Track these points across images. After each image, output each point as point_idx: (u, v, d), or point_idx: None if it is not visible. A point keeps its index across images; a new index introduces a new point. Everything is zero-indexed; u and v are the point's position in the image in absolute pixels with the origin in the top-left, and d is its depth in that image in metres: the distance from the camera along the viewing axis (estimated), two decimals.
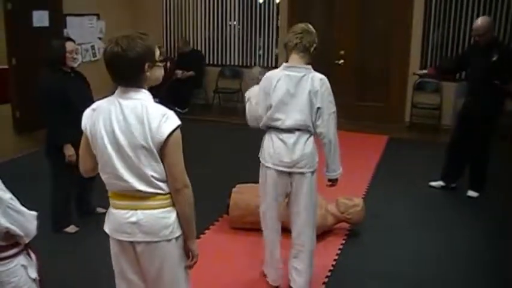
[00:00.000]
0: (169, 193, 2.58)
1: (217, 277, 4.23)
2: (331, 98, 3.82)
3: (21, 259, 2.53)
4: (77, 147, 4.70)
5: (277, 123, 3.80)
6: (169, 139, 2.47)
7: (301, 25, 3.89)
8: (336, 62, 9.94)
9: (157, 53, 2.58)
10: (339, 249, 4.82)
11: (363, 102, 9.91)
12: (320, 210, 4.93)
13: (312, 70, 3.85)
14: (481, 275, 4.44)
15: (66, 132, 4.71)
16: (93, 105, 2.61)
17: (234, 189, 5.16)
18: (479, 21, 5.77)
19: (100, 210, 5.39)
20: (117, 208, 2.63)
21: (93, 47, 9.43)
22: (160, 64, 2.60)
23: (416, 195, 6.18)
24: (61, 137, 4.76)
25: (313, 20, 10.01)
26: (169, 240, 2.61)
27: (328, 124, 3.79)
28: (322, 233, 4.97)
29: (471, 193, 6.13)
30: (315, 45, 3.87)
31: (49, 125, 4.89)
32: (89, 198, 5.35)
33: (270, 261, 4.14)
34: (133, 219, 2.57)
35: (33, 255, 2.63)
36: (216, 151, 7.44)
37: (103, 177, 2.64)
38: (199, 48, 10.84)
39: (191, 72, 10.19)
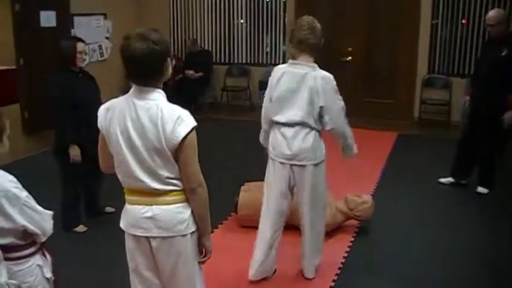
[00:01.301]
0: (184, 189, 2.59)
1: (225, 276, 4.22)
2: (337, 95, 3.90)
3: (37, 259, 2.54)
4: (83, 148, 4.77)
5: (277, 118, 3.89)
6: (184, 142, 2.47)
7: (308, 20, 3.88)
8: (344, 58, 9.92)
9: None
10: (348, 246, 4.80)
11: (371, 99, 9.88)
12: (330, 209, 4.92)
13: (317, 68, 3.87)
14: (489, 273, 4.41)
15: (73, 132, 4.72)
16: (108, 104, 2.62)
17: (242, 187, 5.15)
18: (492, 11, 5.79)
19: (109, 209, 5.41)
20: (132, 204, 2.64)
21: (100, 47, 9.44)
22: (169, 62, 2.60)
23: (426, 192, 6.15)
24: (67, 137, 4.77)
25: (320, 17, 9.98)
26: (185, 235, 2.63)
27: (337, 120, 3.90)
28: (332, 230, 4.96)
29: (481, 189, 6.09)
30: (322, 40, 3.92)
31: (57, 125, 4.90)
32: (98, 198, 5.36)
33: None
34: (149, 214, 2.58)
35: (48, 255, 2.64)
36: (224, 149, 7.42)
37: (118, 175, 2.65)
38: (206, 46, 10.84)
39: (200, 74, 10.18)
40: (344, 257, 4.59)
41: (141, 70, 2.49)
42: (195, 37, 10.78)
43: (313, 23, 3.87)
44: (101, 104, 5.02)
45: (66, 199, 5.01)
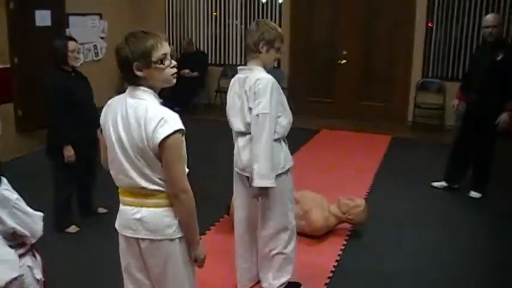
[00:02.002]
0: None
1: (217, 278, 4.22)
2: (266, 96, 3.43)
3: (27, 260, 2.52)
4: (76, 148, 4.76)
5: (231, 127, 3.76)
6: (164, 143, 2.44)
7: (253, 23, 3.69)
8: (339, 61, 9.94)
9: (164, 52, 2.54)
10: (341, 249, 4.80)
11: (365, 102, 9.91)
12: (323, 212, 4.93)
13: (257, 70, 3.58)
14: (482, 276, 4.43)
15: (67, 132, 4.71)
16: (109, 101, 2.67)
17: None
18: (490, 14, 5.89)
19: (101, 210, 5.40)
20: (124, 204, 2.66)
21: (95, 47, 9.43)
22: (162, 66, 2.53)
23: (419, 196, 6.17)
24: (61, 137, 4.76)
25: (316, 20, 10.11)
26: (173, 239, 2.61)
27: (253, 124, 3.48)
28: (324, 234, 4.96)
29: (473, 194, 6.11)
30: (262, 42, 3.57)
31: (51, 125, 4.89)
32: (90, 198, 5.35)
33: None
34: (137, 216, 2.59)
35: (38, 256, 2.62)
36: (218, 151, 7.37)
37: (111, 172, 2.67)
38: (201, 47, 10.84)
39: (196, 73, 10.17)
40: (336, 261, 4.59)
41: (126, 72, 2.53)
42: (191, 38, 10.77)
43: (254, 25, 3.66)
44: (93, 104, 5.05)
45: (58, 199, 5.00)
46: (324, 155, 7.40)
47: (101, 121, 2.65)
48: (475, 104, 5.88)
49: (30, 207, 2.49)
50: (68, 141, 4.75)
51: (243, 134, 3.63)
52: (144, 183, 2.54)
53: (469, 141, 6.00)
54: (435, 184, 6.41)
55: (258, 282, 4.08)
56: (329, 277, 4.32)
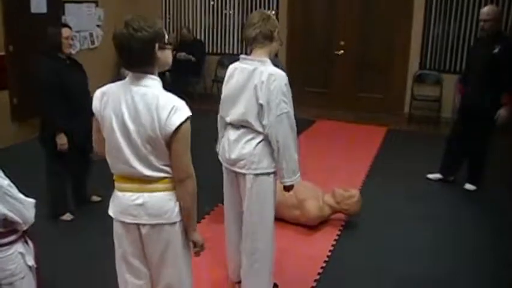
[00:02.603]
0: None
1: (210, 267, 4.22)
2: (285, 97, 3.38)
3: (19, 246, 2.52)
4: (69, 136, 4.75)
5: (225, 117, 3.64)
6: (177, 131, 2.46)
7: (257, 14, 3.57)
8: (336, 52, 9.91)
9: (166, 36, 2.57)
10: (335, 240, 4.81)
11: (362, 93, 9.90)
12: (317, 202, 4.93)
13: (268, 63, 3.48)
14: (475, 268, 4.44)
15: (60, 120, 4.69)
16: (104, 88, 2.61)
17: None
18: (487, 7, 5.84)
19: (95, 198, 5.40)
20: (123, 191, 2.64)
21: (91, 35, 9.37)
22: (169, 47, 2.58)
23: (414, 188, 6.17)
24: (54, 125, 4.74)
25: (313, 10, 10.08)
26: (174, 223, 2.63)
27: (276, 126, 3.39)
28: (318, 224, 4.97)
29: (468, 186, 6.11)
30: (277, 30, 3.53)
31: (44, 113, 4.87)
32: (85, 186, 5.34)
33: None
34: (139, 201, 2.58)
35: (30, 243, 2.62)
36: (213, 140, 7.35)
37: (109, 160, 2.64)
38: (198, 36, 10.81)
39: (191, 56, 10.12)
40: (330, 251, 4.60)
41: (128, 56, 2.48)
42: (188, 26, 10.72)
43: (264, 14, 3.54)
44: (88, 92, 5.02)
45: (53, 187, 4.99)
46: (319, 145, 7.39)
47: (96, 109, 2.60)
48: (472, 97, 5.88)
49: (25, 194, 2.49)
50: (61, 130, 4.72)
51: (236, 126, 3.56)
52: (147, 172, 2.54)
53: (464, 134, 5.99)
54: (430, 176, 6.41)
55: None
56: (322, 267, 4.32)
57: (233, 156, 3.55)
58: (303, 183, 5.05)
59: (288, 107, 3.41)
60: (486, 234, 5.07)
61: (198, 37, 10.81)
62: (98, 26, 9.52)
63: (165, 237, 2.63)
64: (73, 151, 4.85)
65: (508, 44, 5.80)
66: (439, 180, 6.35)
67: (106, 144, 2.61)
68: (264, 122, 3.41)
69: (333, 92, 10.09)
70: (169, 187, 2.60)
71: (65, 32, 4.78)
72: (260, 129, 3.45)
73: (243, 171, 3.54)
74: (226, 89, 3.62)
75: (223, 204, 5.01)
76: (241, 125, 3.52)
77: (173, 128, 2.45)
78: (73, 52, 4.88)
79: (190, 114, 2.50)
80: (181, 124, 2.45)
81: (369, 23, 9.75)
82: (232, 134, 3.58)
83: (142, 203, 2.58)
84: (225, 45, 10.78)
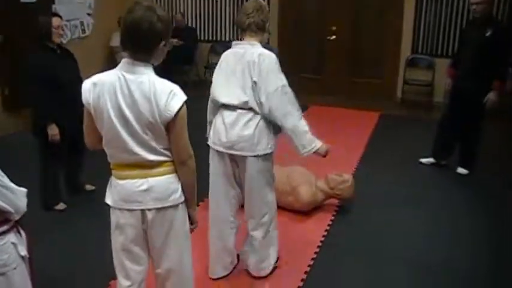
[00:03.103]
0: (173, 160, 2.64)
1: (202, 254, 4.23)
2: (278, 73, 3.51)
3: (11, 237, 2.50)
4: (61, 126, 4.73)
5: (218, 100, 3.64)
6: (176, 115, 2.50)
7: (252, 3, 3.61)
8: (328, 37, 9.88)
9: None
10: (328, 225, 4.83)
11: (354, 78, 9.88)
12: (310, 188, 4.94)
13: (258, 46, 3.57)
14: (467, 252, 4.46)
15: (51, 111, 4.67)
16: (94, 79, 2.58)
17: None
18: None
19: (89, 187, 5.39)
20: (124, 179, 2.63)
21: (82, 23, 9.32)
22: (167, 48, 2.59)
23: (407, 172, 6.19)
24: (45, 115, 4.72)
25: None
26: (177, 205, 2.68)
27: (275, 100, 3.47)
28: (312, 210, 4.98)
29: (461, 170, 6.14)
30: (268, 21, 3.66)
31: (35, 103, 4.84)
32: (78, 176, 5.33)
33: (215, 254, 3.97)
34: (144, 187, 2.61)
35: (23, 233, 2.61)
36: (204, 127, 7.33)
37: (108, 151, 2.64)
38: (190, 23, 10.76)
39: (182, 42, 10.06)
40: (323, 236, 4.62)
41: (137, 40, 2.48)
42: (182, 12, 10.66)
43: (259, 4, 3.62)
44: (80, 81, 4.98)
45: (45, 177, 4.97)
46: (312, 131, 7.37)
47: (87, 101, 2.56)
48: (463, 81, 5.88)
49: (17, 184, 2.48)
50: (52, 120, 4.70)
51: (232, 108, 3.57)
52: (150, 157, 2.57)
53: (456, 118, 6.01)
54: (423, 160, 6.43)
55: (232, 271, 4.05)
56: (316, 252, 4.35)
57: (233, 138, 3.55)
58: (296, 168, 5.09)
59: (283, 80, 3.51)
60: (479, 217, 5.09)
61: (190, 24, 10.77)
62: (88, 14, 9.48)
63: (168, 220, 2.68)
64: (66, 141, 4.84)
65: (499, 28, 5.82)
66: (432, 164, 6.37)
67: (104, 135, 2.60)
68: (262, 100, 3.47)
69: (325, 77, 10.08)
70: (171, 170, 2.64)
71: (55, 21, 4.75)
72: (257, 109, 3.51)
73: (243, 153, 3.56)
74: (219, 71, 3.67)
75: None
76: (238, 106, 3.54)
77: (173, 113, 2.48)
78: (64, 41, 4.84)
79: (186, 98, 2.53)
80: (180, 108, 2.49)
81: (361, 8, 9.72)
82: (227, 116, 3.59)
83: (148, 188, 2.60)
84: (217, 32, 10.74)
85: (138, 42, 2.48)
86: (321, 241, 4.53)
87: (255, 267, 3.97)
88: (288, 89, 3.53)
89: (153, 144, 2.54)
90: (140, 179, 2.61)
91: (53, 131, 4.72)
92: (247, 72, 3.47)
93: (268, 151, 3.61)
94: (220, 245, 3.92)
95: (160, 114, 2.47)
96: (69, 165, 5.22)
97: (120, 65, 2.55)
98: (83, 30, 9.35)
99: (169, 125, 2.52)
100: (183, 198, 2.70)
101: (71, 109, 4.79)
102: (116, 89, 2.50)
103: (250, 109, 3.52)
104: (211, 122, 3.80)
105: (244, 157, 3.58)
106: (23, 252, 2.56)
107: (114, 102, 2.50)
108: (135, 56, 2.51)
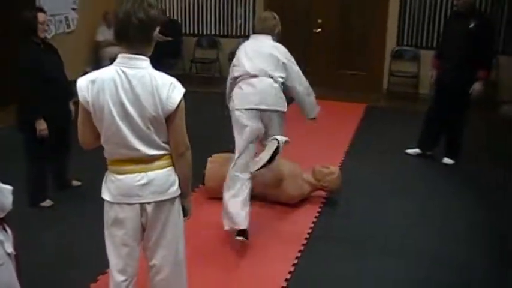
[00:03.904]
0: (170, 153, 2.68)
1: (193, 247, 4.24)
2: (293, 59, 4.59)
3: None
4: (48, 121, 4.71)
5: (245, 70, 4.35)
6: (177, 107, 2.54)
7: (270, 14, 4.66)
8: (314, 30, 9.90)
9: None
10: (315, 216, 4.85)
11: (340, 71, 9.91)
12: (297, 180, 4.96)
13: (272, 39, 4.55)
14: (453, 241, 4.50)
15: (38, 106, 4.65)
16: (91, 76, 2.57)
17: (209, 159, 5.16)
18: None
19: (75, 183, 5.37)
20: (124, 174, 2.64)
21: (66, 18, 9.26)
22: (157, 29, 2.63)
23: (393, 163, 6.23)
24: (33, 111, 4.69)
25: None
26: (174, 198, 2.73)
27: (298, 79, 4.62)
28: (299, 202, 5.00)
29: (447, 160, 6.18)
30: (278, 27, 4.60)
31: (22, 99, 4.81)
32: (65, 172, 5.30)
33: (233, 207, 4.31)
34: (143, 181, 2.63)
35: (9, 230, 2.60)
36: (193, 121, 7.30)
37: (108, 147, 2.64)
38: (175, 17, 10.73)
39: (169, 38, 10.04)
40: (311, 228, 4.64)
41: (132, 33, 2.49)
42: (164, 7, 10.61)
43: (275, 16, 4.63)
44: (64, 75, 4.98)
45: (32, 173, 4.95)
46: (299, 123, 7.37)
47: (85, 99, 2.54)
48: (448, 72, 5.91)
49: (4, 182, 2.47)
50: (40, 115, 4.68)
51: (255, 75, 4.33)
52: (150, 151, 2.59)
53: (442, 109, 6.05)
54: (409, 151, 6.47)
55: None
56: (303, 244, 4.36)
57: (261, 96, 4.29)
58: (282, 161, 5.10)
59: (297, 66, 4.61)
60: (465, 207, 5.14)
61: (175, 17, 10.73)
62: (73, 9, 9.41)
63: (165, 212, 2.71)
64: (52, 136, 4.82)
65: (483, 19, 5.86)
66: (418, 155, 6.41)
67: (103, 133, 2.59)
68: (288, 79, 4.50)
69: (312, 70, 10.05)
70: (169, 163, 2.68)
71: (40, 17, 4.72)
72: (278, 79, 4.38)
73: (273, 108, 4.35)
74: (243, 54, 4.45)
75: (203, 184, 5.06)
76: (260, 73, 4.33)
77: (175, 105, 2.53)
78: (48, 36, 4.82)
79: (185, 90, 2.59)
80: (180, 100, 2.55)
81: (347, 1, 9.73)
82: (253, 80, 4.32)
83: (147, 182, 2.63)
84: (202, 26, 10.71)
85: (136, 33, 2.50)
86: (308, 233, 4.55)
87: None
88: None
89: (155, 137, 2.57)
90: (140, 173, 2.62)
91: (41, 125, 4.69)
92: (273, 52, 4.40)
93: (285, 109, 4.46)
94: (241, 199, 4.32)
95: (163, 106, 2.51)
96: (55, 161, 5.19)
97: (117, 61, 2.55)
98: (68, 26, 9.29)
99: (170, 117, 2.56)
100: (179, 191, 2.74)
101: (57, 103, 4.79)
102: (116, 85, 2.50)
103: (272, 77, 4.35)
104: (230, 97, 4.51)
105: (276, 111, 4.36)
106: (10, 249, 2.55)
107: (115, 98, 2.50)
108: (132, 50, 2.53)
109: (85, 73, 2.60)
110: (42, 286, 3.69)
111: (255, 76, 4.33)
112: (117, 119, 2.52)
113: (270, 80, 4.34)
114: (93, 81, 2.54)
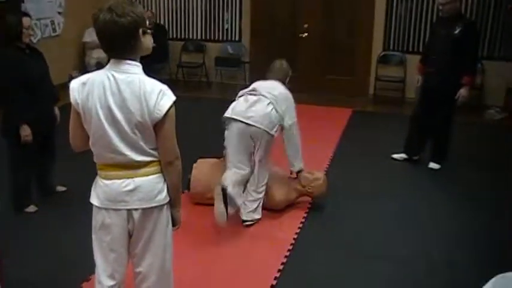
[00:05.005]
0: (159, 160, 2.65)
1: (178, 252, 4.22)
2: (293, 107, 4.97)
3: None
4: (33, 127, 4.68)
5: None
6: (166, 115, 2.51)
7: (284, 62, 5.31)
8: (300, 35, 9.91)
9: (147, 21, 2.60)
10: (301, 222, 4.84)
11: (327, 75, 9.92)
12: (283, 186, 4.96)
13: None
14: (440, 244, 4.52)
15: (22, 111, 4.60)
16: (83, 78, 2.57)
17: (194, 165, 5.14)
18: None
19: (60, 188, 5.33)
20: (111, 179, 2.63)
21: (52, 22, 9.20)
22: (149, 31, 2.60)
23: (379, 168, 6.24)
24: (16, 116, 4.65)
25: None
26: (162, 206, 2.70)
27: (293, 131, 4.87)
28: (285, 207, 5.00)
29: (433, 165, 6.20)
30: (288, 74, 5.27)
31: (5, 104, 4.76)
32: (49, 177, 5.25)
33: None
34: (130, 187, 2.60)
35: None
36: (179, 125, 7.29)
37: (96, 150, 2.63)
38: (161, 22, 10.70)
39: (154, 44, 10.01)
40: (296, 233, 4.63)
41: (110, 42, 2.48)
42: (152, 10, 10.59)
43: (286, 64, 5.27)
44: (49, 80, 4.94)
45: (16, 179, 4.89)
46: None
47: (75, 101, 2.55)
48: (434, 77, 5.94)
49: None
50: (24, 121, 4.64)
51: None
52: (138, 157, 2.57)
53: (427, 113, 6.07)
54: (395, 156, 6.49)
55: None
56: (289, 249, 4.36)
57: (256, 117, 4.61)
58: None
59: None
60: (451, 211, 5.17)
61: (161, 22, 10.70)
62: (59, 13, 9.37)
63: (153, 220, 2.69)
64: (36, 141, 4.78)
65: (468, 25, 5.87)
66: (404, 160, 6.43)
67: (91, 135, 2.59)
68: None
69: (298, 75, 10.05)
70: (157, 170, 2.65)
71: (25, 21, 4.67)
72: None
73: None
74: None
75: (189, 190, 5.05)
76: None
77: (162, 112, 2.49)
78: (34, 40, 4.78)
79: (175, 98, 2.56)
80: (169, 108, 2.51)
81: (332, 5, 9.75)
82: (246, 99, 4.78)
83: (134, 188, 2.60)
84: (188, 30, 10.70)
85: (116, 45, 2.48)
86: (294, 239, 4.54)
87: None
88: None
89: (141, 144, 2.55)
90: (127, 179, 2.61)
91: (25, 131, 4.65)
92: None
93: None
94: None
95: (150, 113, 2.48)
96: (40, 166, 5.15)
97: (108, 65, 2.55)
98: (54, 29, 9.24)
99: (158, 125, 2.53)
100: (168, 199, 2.71)
101: (41, 108, 4.75)
102: (105, 89, 2.49)
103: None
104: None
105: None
106: None
107: (103, 101, 2.50)
108: (120, 56, 2.52)
109: (70, 77, 2.59)
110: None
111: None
112: (105, 122, 2.51)
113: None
114: (84, 84, 2.54)
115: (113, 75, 2.50)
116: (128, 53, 2.52)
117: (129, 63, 2.52)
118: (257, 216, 4.79)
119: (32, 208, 4.97)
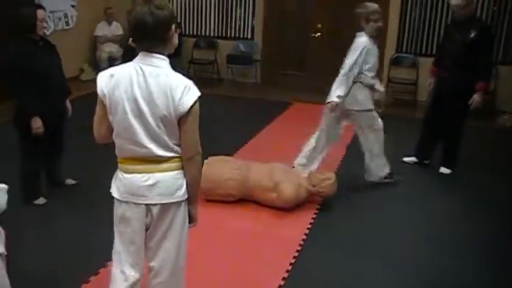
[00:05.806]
0: (181, 156, 2.65)
1: (189, 250, 4.21)
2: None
3: None
4: (44, 119, 4.67)
5: None
6: (190, 110, 2.52)
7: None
8: (313, 34, 9.88)
9: None
10: (310, 222, 4.83)
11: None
12: (293, 185, 4.94)
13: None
14: (449, 249, 4.49)
15: (34, 104, 4.60)
16: (111, 71, 2.60)
17: (205, 161, 5.13)
18: None
19: (69, 181, 5.33)
20: (131, 173, 2.65)
21: (65, 15, 9.23)
22: (178, 30, 2.68)
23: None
24: (28, 109, 4.65)
25: None
26: (181, 202, 2.71)
27: None
28: (294, 207, 4.98)
29: (443, 170, 6.16)
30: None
31: (16, 97, 4.76)
32: (58, 170, 5.26)
33: None
34: (150, 182, 2.62)
35: (1, 230, 2.57)
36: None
37: (118, 142, 2.65)
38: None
39: None
40: (305, 234, 4.62)
41: (142, 33, 2.51)
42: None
43: None
44: (62, 73, 4.94)
45: (26, 171, 4.90)
46: (295, 128, 7.40)
47: (102, 92, 2.57)
48: (446, 81, 5.89)
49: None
50: (35, 113, 4.64)
51: None
52: (159, 152, 2.58)
53: (439, 117, 6.03)
54: (406, 159, 6.45)
55: None
56: (297, 250, 4.34)
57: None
58: (277, 165, 5.09)
59: None
60: (461, 215, 5.14)
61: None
62: (72, 6, 9.39)
63: (170, 215, 2.70)
64: (46, 133, 4.78)
65: (483, 29, 5.81)
66: (415, 163, 6.39)
67: (115, 127, 2.60)
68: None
69: (310, 74, 10.08)
70: (178, 166, 2.66)
71: (40, 14, 4.68)
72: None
73: None
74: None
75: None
76: None
77: (187, 107, 2.51)
78: (47, 33, 4.77)
79: (200, 94, 2.57)
80: (194, 103, 2.52)
81: (346, 6, 9.69)
82: None
83: (153, 183, 2.62)
84: (201, 27, 10.69)
85: (149, 36, 2.51)
86: (303, 239, 4.53)
87: None
88: None
89: (165, 138, 2.56)
90: (147, 173, 2.62)
91: (37, 123, 4.65)
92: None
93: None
94: None
95: (174, 108, 2.50)
96: (50, 159, 5.15)
97: (137, 58, 2.58)
98: (67, 23, 9.26)
99: (182, 120, 2.54)
100: (186, 196, 2.72)
101: (53, 101, 4.75)
102: (132, 81, 2.52)
103: None
104: None
105: None
106: (1, 249, 2.53)
107: (130, 94, 2.52)
108: (150, 48, 2.54)
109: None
110: (39, 280, 3.68)
111: None
112: (130, 115, 2.53)
113: None
114: (112, 75, 2.58)
115: (141, 68, 2.53)
116: (158, 46, 2.54)
117: (157, 57, 2.55)
118: None
119: (41, 200, 4.98)
